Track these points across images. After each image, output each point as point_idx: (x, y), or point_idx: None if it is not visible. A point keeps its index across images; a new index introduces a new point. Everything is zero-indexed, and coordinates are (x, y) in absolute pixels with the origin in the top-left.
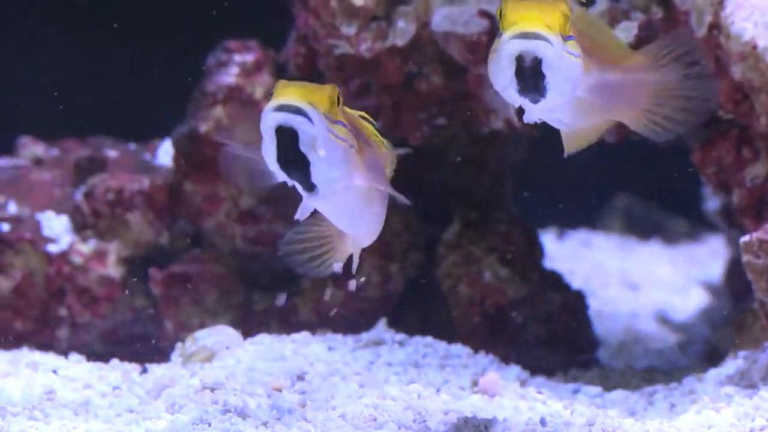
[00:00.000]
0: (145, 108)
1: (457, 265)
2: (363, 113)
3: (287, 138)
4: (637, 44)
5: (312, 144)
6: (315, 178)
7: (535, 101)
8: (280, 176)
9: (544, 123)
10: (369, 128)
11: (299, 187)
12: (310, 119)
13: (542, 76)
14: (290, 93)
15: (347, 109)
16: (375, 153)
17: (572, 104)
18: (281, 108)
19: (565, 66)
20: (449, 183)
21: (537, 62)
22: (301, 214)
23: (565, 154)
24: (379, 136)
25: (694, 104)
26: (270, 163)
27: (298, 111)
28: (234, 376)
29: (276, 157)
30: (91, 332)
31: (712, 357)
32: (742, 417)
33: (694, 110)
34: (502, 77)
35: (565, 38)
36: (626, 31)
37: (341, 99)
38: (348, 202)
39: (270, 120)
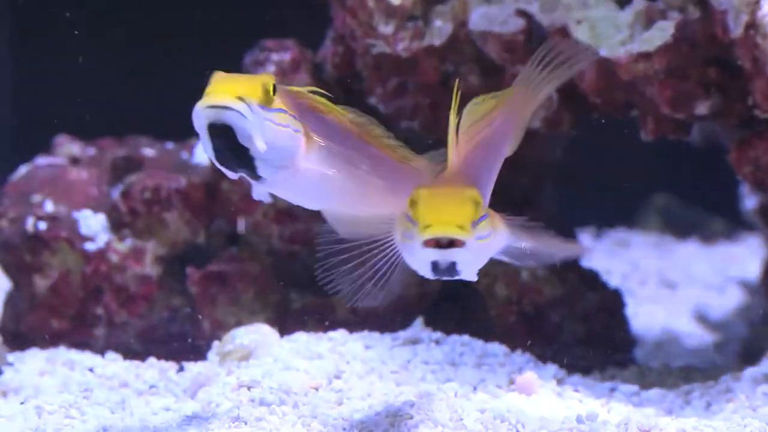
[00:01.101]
0: (183, 107)
1: (494, 264)
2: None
3: (223, 134)
4: (675, 45)
5: (250, 137)
6: (260, 168)
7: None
8: (224, 171)
9: (583, 124)
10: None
11: (246, 177)
12: (242, 114)
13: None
14: (220, 89)
15: (306, 94)
16: (335, 130)
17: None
18: (212, 106)
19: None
20: None
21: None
22: (257, 195)
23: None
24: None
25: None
26: (210, 158)
27: (229, 107)
28: (270, 374)
29: (215, 155)
30: (128, 331)
31: (749, 356)
32: None
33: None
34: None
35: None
36: (662, 31)
37: (275, 87)
38: (301, 183)
39: (202, 119)
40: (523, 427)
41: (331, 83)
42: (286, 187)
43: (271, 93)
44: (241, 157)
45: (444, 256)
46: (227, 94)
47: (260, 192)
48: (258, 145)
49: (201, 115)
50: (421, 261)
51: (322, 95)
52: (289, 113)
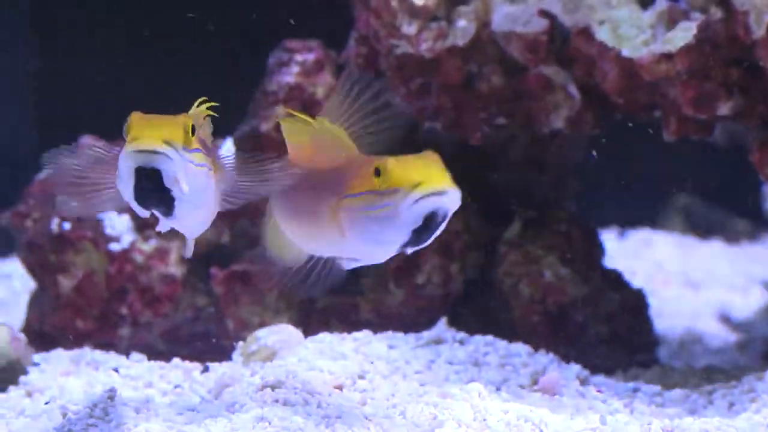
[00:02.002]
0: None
1: (518, 264)
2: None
3: (149, 177)
4: (697, 45)
5: (174, 180)
6: (177, 207)
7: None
8: (138, 210)
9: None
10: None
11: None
12: (169, 157)
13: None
14: (147, 134)
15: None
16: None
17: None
18: (141, 151)
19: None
20: (509, 182)
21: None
22: (163, 228)
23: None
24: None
25: None
26: (128, 199)
27: (157, 151)
28: (295, 374)
29: (135, 196)
30: (153, 331)
31: None
32: None
33: None
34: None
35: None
36: (685, 31)
37: (193, 127)
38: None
39: (130, 162)
40: (546, 428)
41: None
42: (194, 220)
43: (190, 134)
44: (163, 198)
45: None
46: (154, 139)
47: (165, 225)
48: (182, 187)
49: (129, 158)
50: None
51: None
52: (203, 151)
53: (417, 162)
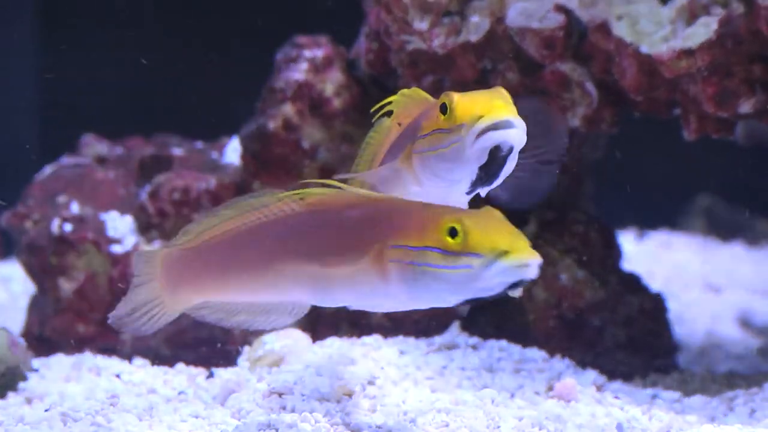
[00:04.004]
0: (213, 105)
1: None
2: None
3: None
4: (718, 41)
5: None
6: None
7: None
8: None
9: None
10: None
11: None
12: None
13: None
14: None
15: None
16: None
17: None
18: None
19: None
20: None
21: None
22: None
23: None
24: None
25: None
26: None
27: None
28: (302, 380)
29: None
30: (156, 336)
31: None
32: None
33: None
34: (470, 166)
35: None
36: (705, 27)
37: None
38: None
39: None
40: None
41: (365, 80)
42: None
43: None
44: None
45: (507, 137)
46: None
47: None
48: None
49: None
50: (475, 153)
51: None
52: None
53: (481, 96)
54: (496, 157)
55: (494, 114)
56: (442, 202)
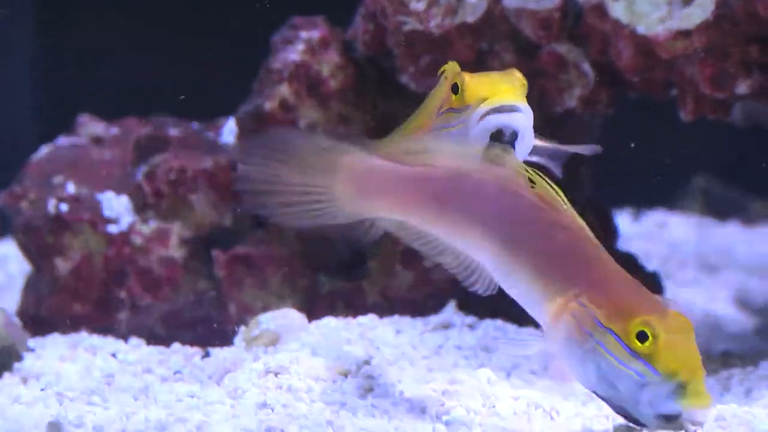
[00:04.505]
0: (210, 86)
1: None
2: None
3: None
4: (715, 22)
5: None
6: None
7: None
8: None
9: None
10: None
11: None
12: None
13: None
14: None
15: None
16: None
17: None
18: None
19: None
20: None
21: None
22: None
23: None
24: None
25: None
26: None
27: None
28: (298, 360)
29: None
30: (152, 315)
31: None
32: None
33: None
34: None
35: None
36: (702, 8)
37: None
38: None
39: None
40: (557, 414)
41: (362, 61)
42: None
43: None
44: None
45: (509, 120)
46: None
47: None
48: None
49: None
50: (478, 135)
51: None
52: None
53: (490, 79)
54: (500, 141)
55: (498, 97)
56: None
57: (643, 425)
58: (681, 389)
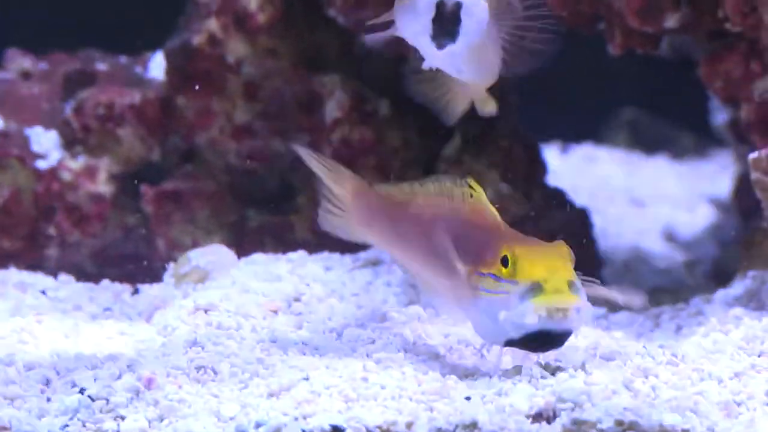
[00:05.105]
0: (136, 19)
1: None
2: None
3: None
4: None
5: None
6: None
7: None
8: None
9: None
10: None
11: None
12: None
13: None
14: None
15: None
16: None
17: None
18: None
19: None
20: None
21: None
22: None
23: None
24: None
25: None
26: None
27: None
28: (228, 297)
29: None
30: (81, 251)
31: (720, 277)
32: (750, 339)
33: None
34: (415, 24)
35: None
36: None
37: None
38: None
39: (537, 317)
40: (487, 351)
41: None
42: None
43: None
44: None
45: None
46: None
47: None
48: None
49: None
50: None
51: None
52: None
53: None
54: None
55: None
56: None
57: (525, 345)
58: (537, 289)
